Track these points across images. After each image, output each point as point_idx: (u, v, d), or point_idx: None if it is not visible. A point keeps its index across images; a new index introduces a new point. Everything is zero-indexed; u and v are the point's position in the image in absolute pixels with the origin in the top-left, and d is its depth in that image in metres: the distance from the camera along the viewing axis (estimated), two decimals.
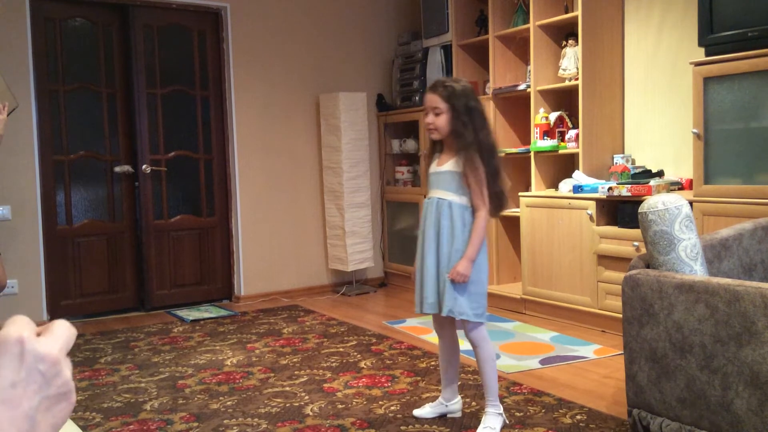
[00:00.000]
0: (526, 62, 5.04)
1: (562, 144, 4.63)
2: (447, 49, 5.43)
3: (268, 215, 5.59)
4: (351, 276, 5.83)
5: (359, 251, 5.61)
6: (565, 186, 4.47)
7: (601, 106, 4.50)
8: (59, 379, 0.56)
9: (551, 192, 4.59)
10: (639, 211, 2.47)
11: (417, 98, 5.67)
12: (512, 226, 5.04)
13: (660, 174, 4.28)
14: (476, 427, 2.74)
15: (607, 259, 4.11)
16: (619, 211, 4.05)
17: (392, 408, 3.03)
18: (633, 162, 4.53)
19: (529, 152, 4.79)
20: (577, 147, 4.49)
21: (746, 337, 2.13)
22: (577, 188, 4.28)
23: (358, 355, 3.85)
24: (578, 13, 4.40)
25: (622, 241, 4.00)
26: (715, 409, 2.22)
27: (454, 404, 2.92)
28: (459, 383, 3.11)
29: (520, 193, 4.72)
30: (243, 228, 5.48)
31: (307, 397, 3.19)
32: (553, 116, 4.67)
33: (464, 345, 2.91)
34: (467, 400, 3.07)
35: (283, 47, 5.60)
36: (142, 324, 4.81)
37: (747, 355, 2.13)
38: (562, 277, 4.40)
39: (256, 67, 5.48)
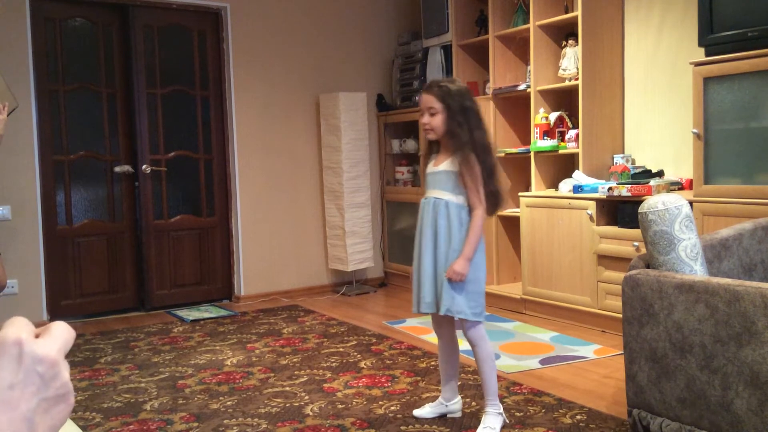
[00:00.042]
0: (526, 62, 5.04)
1: (562, 144, 4.63)
2: (447, 49, 5.43)
3: (268, 215, 5.59)
4: (351, 276, 5.83)
5: (359, 251, 5.61)
6: (565, 186, 4.47)
7: (601, 106, 4.50)
8: (57, 381, 0.56)
9: (551, 192, 4.59)
10: (639, 211, 2.47)
11: (417, 98, 5.67)
12: (512, 226, 5.04)
13: (660, 174, 4.28)
14: (476, 427, 2.74)
15: (607, 259, 4.11)
16: (619, 211, 4.05)
17: (392, 408, 3.03)
18: (633, 162, 4.53)
19: (529, 152, 4.79)
20: (577, 147, 4.49)
21: (746, 337, 2.13)
22: (577, 188, 4.28)
23: (358, 355, 3.85)
24: (578, 13, 4.40)
25: (622, 241, 4.00)
26: (715, 409, 2.22)
27: (454, 404, 2.92)
28: (459, 383, 3.10)
29: (520, 193, 4.72)
30: (243, 228, 5.48)
31: (307, 397, 3.19)
32: (553, 116, 4.67)
33: (463, 345, 2.91)
34: (467, 400, 3.07)
35: (283, 47, 5.60)
36: (142, 324, 4.81)
37: (747, 355, 2.12)
38: (562, 277, 4.40)
39: (256, 67, 5.48)
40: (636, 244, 3.91)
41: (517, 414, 2.90)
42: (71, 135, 4.97)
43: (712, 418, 2.24)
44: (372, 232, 5.75)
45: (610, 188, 4.02)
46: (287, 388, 3.34)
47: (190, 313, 5.06)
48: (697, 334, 2.26)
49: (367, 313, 5.01)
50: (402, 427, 2.81)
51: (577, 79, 4.48)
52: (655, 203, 2.42)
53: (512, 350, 3.86)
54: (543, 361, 3.64)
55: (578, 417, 2.85)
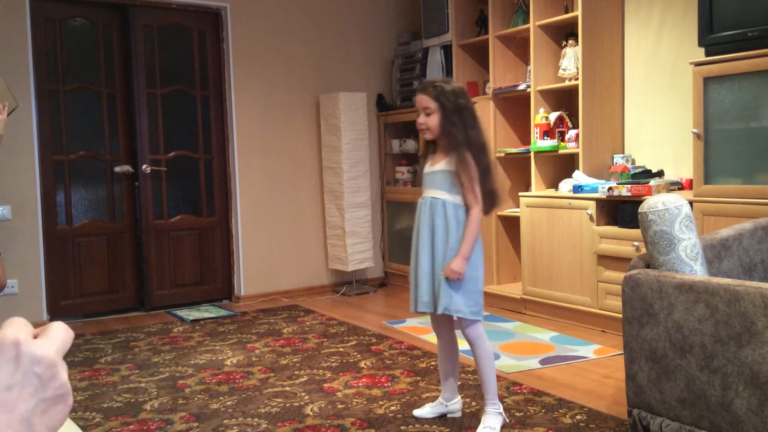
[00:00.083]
0: (526, 62, 5.04)
1: (562, 144, 4.63)
2: (447, 49, 5.43)
3: (268, 215, 5.59)
4: (351, 276, 5.83)
5: (359, 251, 5.61)
6: (565, 186, 4.47)
7: (601, 106, 4.50)
8: (56, 382, 0.56)
9: (551, 192, 4.59)
10: (639, 211, 2.47)
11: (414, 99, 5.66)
12: (512, 226, 5.04)
13: (660, 174, 4.28)
14: (476, 427, 2.73)
15: (607, 259, 4.11)
16: (619, 211, 4.05)
17: (392, 408, 3.03)
18: (633, 162, 4.53)
19: (529, 152, 4.79)
20: (577, 147, 4.49)
21: (746, 337, 2.13)
22: (577, 188, 4.28)
23: (358, 355, 3.85)
24: (578, 13, 4.40)
25: (622, 241, 4.00)
26: (715, 409, 2.22)
27: (454, 404, 2.92)
28: (459, 383, 3.10)
29: (520, 193, 4.72)
30: (243, 228, 5.48)
31: (307, 397, 3.19)
32: (553, 116, 4.67)
33: (463, 345, 2.91)
34: (467, 400, 3.07)
35: (283, 47, 5.60)
36: (142, 324, 4.81)
37: (747, 355, 2.12)
38: (562, 277, 4.40)
39: (256, 67, 5.48)
40: (636, 244, 3.91)
41: (517, 414, 2.90)
42: (71, 135, 4.97)
43: (712, 418, 2.24)
44: (372, 232, 5.75)
45: (610, 188, 4.02)
46: (287, 388, 3.34)
47: (190, 313, 5.06)
48: (697, 334, 2.26)
49: (367, 313, 5.01)
50: (402, 427, 2.81)
51: (577, 79, 4.48)
52: (655, 203, 2.42)
53: (512, 350, 3.86)
54: (543, 361, 3.64)
55: (578, 417, 2.85)
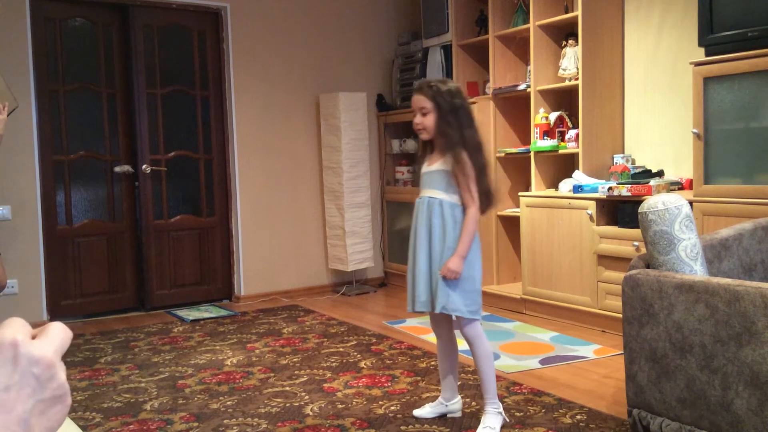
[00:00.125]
0: (526, 62, 5.04)
1: (562, 144, 4.63)
2: (447, 49, 5.43)
3: (268, 215, 5.59)
4: (351, 276, 5.83)
5: (359, 251, 5.61)
6: (565, 186, 4.47)
7: (601, 106, 4.50)
8: (54, 382, 0.55)
9: (551, 192, 4.59)
10: (639, 211, 2.47)
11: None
12: (512, 226, 5.04)
13: (660, 174, 4.28)
14: (476, 427, 2.73)
15: (607, 259, 4.11)
16: (619, 211, 4.05)
17: (392, 408, 3.03)
18: (633, 162, 4.53)
19: (529, 152, 4.79)
20: (577, 147, 4.49)
21: (746, 337, 2.12)
22: (577, 188, 4.28)
23: (358, 355, 3.85)
24: (578, 13, 4.40)
25: (622, 241, 4.00)
26: (715, 409, 2.22)
27: (454, 404, 2.92)
28: (459, 383, 3.10)
29: (520, 193, 4.72)
30: (243, 228, 5.48)
31: (307, 397, 3.19)
32: (553, 116, 4.67)
33: (463, 345, 2.91)
34: (467, 400, 3.07)
35: (283, 47, 5.60)
36: (142, 324, 4.81)
37: (747, 355, 2.12)
38: (562, 277, 4.40)
39: (256, 67, 5.48)
40: (636, 244, 3.91)
41: (517, 414, 2.90)
42: (71, 135, 4.97)
43: (712, 418, 2.24)
44: (372, 232, 5.75)
45: (610, 188, 4.02)
46: (287, 388, 3.34)
47: (190, 313, 5.06)
48: (697, 334, 2.26)
49: (367, 313, 5.01)
50: (402, 427, 2.81)
51: (577, 79, 4.48)
52: (655, 203, 2.42)
53: (512, 350, 3.86)
54: (543, 361, 3.64)
55: (578, 417, 2.85)
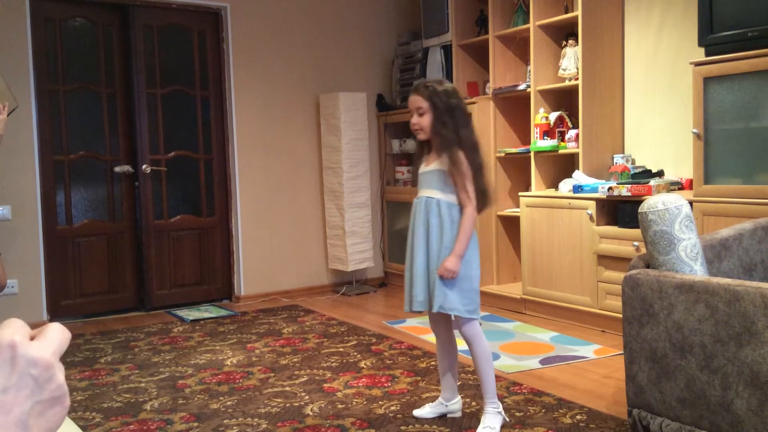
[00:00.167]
0: (526, 62, 5.04)
1: (562, 144, 4.63)
2: (447, 49, 5.43)
3: (268, 215, 5.59)
4: (351, 276, 5.83)
5: (359, 251, 5.61)
6: (565, 186, 4.47)
7: (601, 106, 4.50)
8: (52, 384, 0.55)
9: (551, 192, 4.59)
10: (639, 211, 2.47)
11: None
12: (512, 226, 5.04)
13: (660, 174, 4.28)
14: (476, 427, 2.73)
15: (607, 259, 4.11)
16: (619, 211, 4.05)
17: (392, 408, 3.03)
18: (633, 162, 4.53)
19: (529, 152, 4.79)
20: (577, 147, 4.49)
21: (746, 337, 2.12)
22: (577, 188, 4.28)
23: (358, 355, 3.85)
24: (578, 13, 4.40)
25: (622, 241, 4.00)
26: (715, 409, 2.22)
27: (454, 404, 2.92)
28: (459, 383, 3.10)
29: (520, 193, 4.72)
30: (243, 228, 5.48)
31: (307, 397, 3.19)
32: (553, 116, 4.67)
33: (462, 344, 2.91)
34: (467, 400, 3.07)
35: (283, 47, 5.60)
36: (142, 324, 4.81)
37: (747, 355, 2.12)
38: (562, 277, 4.40)
39: (256, 67, 5.48)
40: (636, 244, 3.91)
41: (517, 414, 2.90)
42: (71, 135, 4.97)
43: (712, 418, 2.24)
44: (372, 232, 5.75)
45: (610, 188, 4.02)
46: (287, 388, 3.34)
47: (190, 313, 5.06)
48: (697, 334, 2.26)
49: (367, 313, 5.01)
50: (402, 427, 2.81)
51: (577, 79, 4.48)
52: (655, 203, 2.42)
53: (512, 350, 3.86)
54: (543, 361, 3.64)
55: (578, 417, 2.84)
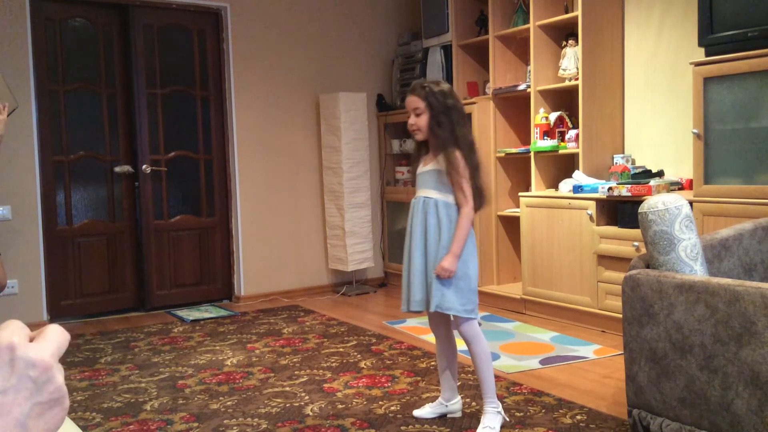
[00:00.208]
0: (526, 62, 5.04)
1: (562, 144, 4.63)
2: (447, 49, 5.43)
3: (268, 215, 5.59)
4: (351, 276, 5.83)
5: (359, 251, 5.61)
6: (565, 186, 4.47)
7: (601, 106, 4.50)
8: (51, 385, 0.55)
9: (551, 192, 4.59)
10: (639, 211, 2.47)
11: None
12: (512, 226, 5.04)
13: (660, 174, 4.28)
14: (476, 427, 2.73)
15: (607, 259, 4.11)
16: (619, 211, 4.05)
17: (392, 408, 3.03)
18: (633, 162, 4.53)
19: (529, 152, 4.79)
20: (577, 147, 4.49)
21: (746, 337, 2.12)
22: (577, 188, 4.28)
23: (358, 355, 3.85)
24: (578, 13, 4.40)
25: (622, 241, 3.99)
26: (715, 409, 2.22)
27: (454, 404, 2.92)
28: (459, 383, 3.10)
29: (520, 193, 4.72)
30: (243, 228, 5.48)
31: (307, 397, 3.19)
32: (553, 116, 4.67)
33: (462, 345, 2.91)
34: (467, 400, 3.07)
35: (283, 47, 5.60)
36: (142, 324, 4.81)
37: (747, 355, 2.12)
38: (562, 277, 4.40)
39: (256, 67, 5.48)
40: (636, 244, 3.91)
41: (517, 414, 2.90)
42: (71, 135, 4.97)
43: (712, 418, 2.23)
44: (372, 232, 5.75)
45: (610, 188, 4.02)
46: (287, 388, 3.34)
47: (190, 313, 5.06)
48: (697, 334, 2.26)
49: (367, 313, 5.01)
50: (402, 427, 2.81)
51: (577, 79, 4.48)
52: (655, 203, 2.42)
53: (512, 350, 3.86)
54: (543, 361, 3.64)
55: (578, 417, 2.84)
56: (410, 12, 6.11)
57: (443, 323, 2.86)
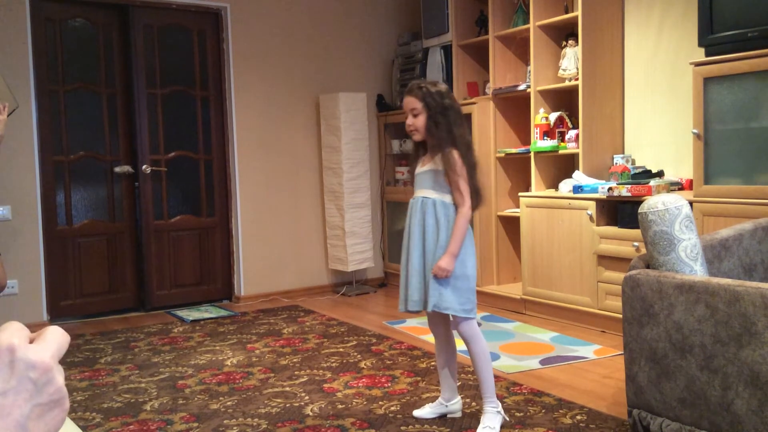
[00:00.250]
0: (526, 62, 5.04)
1: (562, 144, 4.63)
2: (447, 49, 5.43)
3: (268, 215, 5.59)
4: (351, 276, 5.83)
5: (359, 251, 5.61)
6: (565, 186, 4.47)
7: (601, 106, 4.50)
8: (51, 387, 0.55)
9: (551, 192, 4.59)
10: (639, 211, 2.47)
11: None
12: (512, 226, 5.04)
13: (660, 174, 4.28)
14: (476, 427, 2.73)
15: (607, 260, 4.11)
16: (619, 212, 4.05)
17: (392, 408, 3.03)
18: (633, 162, 4.53)
19: (529, 152, 4.79)
20: (577, 147, 4.49)
21: (746, 337, 2.12)
22: (577, 188, 4.28)
23: (358, 356, 3.85)
24: (578, 13, 4.40)
25: (622, 242, 3.99)
26: (715, 410, 2.22)
27: (454, 404, 2.92)
28: (459, 383, 3.10)
29: (520, 194, 4.72)
30: (243, 228, 5.48)
31: (307, 398, 3.19)
32: (553, 116, 4.67)
33: (462, 345, 2.91)
34: (467, 400, 3.07)
35: (283, 47, 5.60)
36: (142, 324, 4.81)
37: (747, 355, 2.12)
38: (562, 277, 4.40)
39: (256, 67, 5.48)
40: (636, 244, 3.91)
41: (517, 414, 2.90)
42: (71, 135, 4.97)
43: (712, 418, 2.23)
44: (372, 232, 5.75)
45: (610, 188, 4.02)
46: (287, 389, 3.34)
47: (190, 314, 5.06)
48: (697, 335, 2.26)
49: (367, 313, 5.01)
50: (402, 427, 2.81)
51: (577, 79, 4.48)
52: (655, 203, 2.42)
53: (512, 350, 3.86)
54: (543, 362, 3.64)
55: (578, 417, 2.84)
56: (410, 12, 6.11)
57: (442, 323, 2.86)
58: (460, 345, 2.93)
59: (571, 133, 4.55)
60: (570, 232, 4.31)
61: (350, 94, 5.55)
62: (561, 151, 4.63)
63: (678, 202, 2.40)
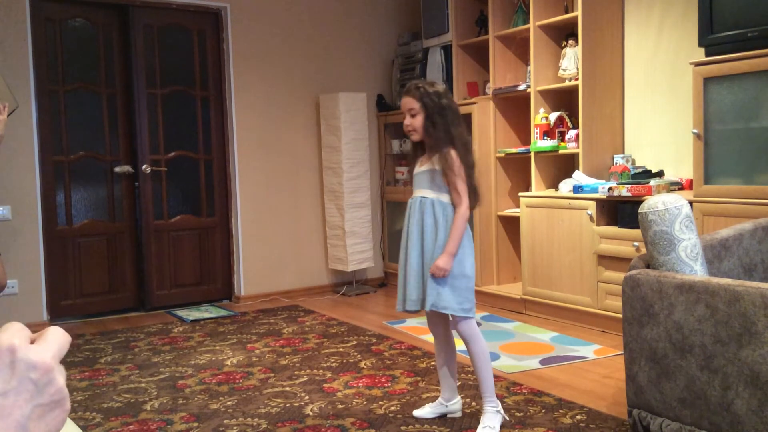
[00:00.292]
0: (526, 62, 5.04)
1: (562, 144, 4.63)
2: (447, 49, 5.43)
3: (268, 215, 5.59)
4: (351, 276, 5.83)
5: (359, 251, 5.61)
6: (565, 186, 4.47)
7: (601, 106, 4.50)
8: (52, 387, 0.55)
9: (551, 192, 4.59)
10: (639, 211, 2.47)
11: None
12: (512, 226, 5.04)
13: (660, 174, 4.28)
14: (476, 427, 2.73)
15: (607, 259, 4.11)
16: (619, 212, 4.05)
17: (392, 408, 3.03)
18: (633, 162, 4.53)
19: (529, 152, 4.79)
20: (577, 147, 4.49)
21: (746, 337, 2.12)
22: (577, 188, 4.28)
23: (358, 355, 3.85)
24: (578, 13, 4.40)
25: (622, 241, 4.00)
26: (715, 410, 2.22)
27: (454, 404, 2.92)
28: (458, 383, 3.10)
29: (520, 193, 4.72)
30: (243, 228, 5.48)
31: (307, 397, 3.19)
32: (553, 116, 4.67)
33: (461, 345, 2.91)
34: (467, 400, 3.07)
35: (283, 47, 5.60)
36: (142, 324, 4.81)
37: (747, 355, 2.12)
38: (562, 277, 4.40)
39: (256, 67, 5.48)
40: (636, 244, 3.91)
41: (517, 414, 2.90)
42: (71, 135, 4.97)
43: (712, 418, 2.24)
44: (372, 232, 5.75)
45: (610, 188, 4.02)
46: (287, 388, 3.34)
47: (190, 313, 5.06)
48: (697, 335, 2.26)
49: (367, 313, 5.01)
50: (402, 427, 2.81)
51: (577, 79, 4.48)
52: (655, 203, 2.42)
53: (512, 350, 3.86)
54: (543, 361, 3.64)
55: (578, 417, 2.85)
56: (410, 12, 6.11)
57: (441, 323, 2.86)
58: (459, 345, 2.93)
59: (571, 133, 4.55)
60: (570, 232, 4.31)
61: (350, 94, 5.55)
62: (561, 151, 4.63)
63: (678, 202, 2.40)
